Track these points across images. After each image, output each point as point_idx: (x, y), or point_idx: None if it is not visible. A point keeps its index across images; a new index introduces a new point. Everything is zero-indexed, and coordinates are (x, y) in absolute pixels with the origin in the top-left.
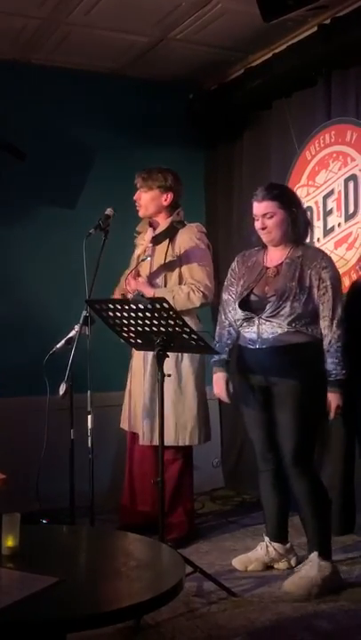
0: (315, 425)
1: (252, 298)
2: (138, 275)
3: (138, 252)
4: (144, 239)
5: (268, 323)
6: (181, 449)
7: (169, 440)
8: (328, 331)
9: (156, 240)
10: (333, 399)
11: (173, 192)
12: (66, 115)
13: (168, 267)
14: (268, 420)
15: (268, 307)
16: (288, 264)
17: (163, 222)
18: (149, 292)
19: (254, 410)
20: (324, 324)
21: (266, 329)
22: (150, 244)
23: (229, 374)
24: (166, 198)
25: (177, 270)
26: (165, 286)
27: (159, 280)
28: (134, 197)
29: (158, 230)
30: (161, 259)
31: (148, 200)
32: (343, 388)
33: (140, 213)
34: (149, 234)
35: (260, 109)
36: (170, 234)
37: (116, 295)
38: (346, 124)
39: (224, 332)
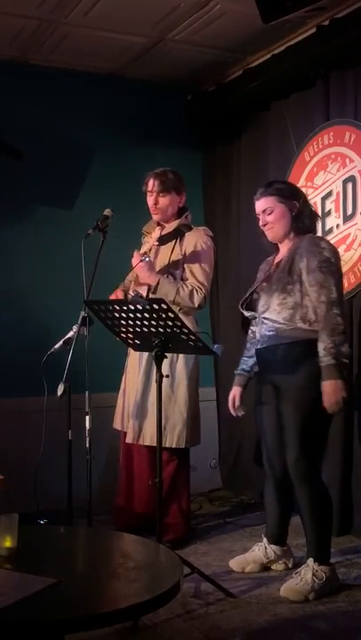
0: (320, 426)
1: (255, 296)
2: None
3: (144, 249)
4: (153, 238)
5: (267, 320)
6: (177, 450)
7: (154, 440)
8: (320, 315)
9: (161, 240)
10: (325, 388)
11: (185, 193)
12: (64, 115)
13: (172, 267)
14: (275, 422)
15: (259, 302)
16: (286, 257)
17: (170, 224)
18: (154, 279)
19: (263, 410)
20: (317, 309)
21: (266, 327)
22: (156, 243)
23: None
24: (181, 200)
25: (179, 271)
26: None
27: None
28: (152, 202)
29: (166, 231)
30: (165, 259)
31: (167, 204)
32: (339, 375)
33: (158, 218)
34: (157, 232)
35: (259, 110)
36: (176, 236)
37: (118, 293)
38: (344, 125)
39: (248, 344)
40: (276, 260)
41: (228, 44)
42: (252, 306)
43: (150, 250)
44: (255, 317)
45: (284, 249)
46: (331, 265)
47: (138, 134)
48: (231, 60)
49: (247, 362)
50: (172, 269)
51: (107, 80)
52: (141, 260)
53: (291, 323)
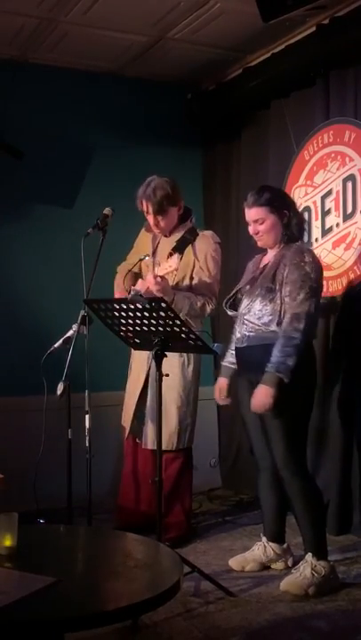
0: (301, 425)
1: (238, 296)
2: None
3: (161, 272)
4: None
5: (247, 321)
6: (181, 449)
7: (170, 445)
8: (284, 324)
9: (175, 251)
10: (259, 390)
11: (181, 196)
12: (63, 114)
13: (180, 275)
14: (261, 419)
15: (242, 304)
16: (271, 264)
17: (176, 233)
18: (169, 297)
19: (246, 409)
20: (286, 317)
21: (246, 327)
22: (174, 259)
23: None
24: (180, 208)
25: (188, 279)
26: None
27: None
28: (152, 222)
29: (173, 240)
30: (173, 266)
31: (167, 222)
32: (273, 385)
33: (163, 234)
34: (175, 261)
35: (259, 109)
36: (184, 245)
37: (119, 284)
38: (344, 123)
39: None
40: (263, 263)
41: (228, 42)
42: (236, 305)
43: (155, 251)
44: (237, 316)
45: (270, 254)
46: (309, 280)
47: (138, 133)
48: (231, 59)
49: (234, 354)
50: (181, 277)
51: (106, 79)
52: (141, 259)
53: (268, 327)
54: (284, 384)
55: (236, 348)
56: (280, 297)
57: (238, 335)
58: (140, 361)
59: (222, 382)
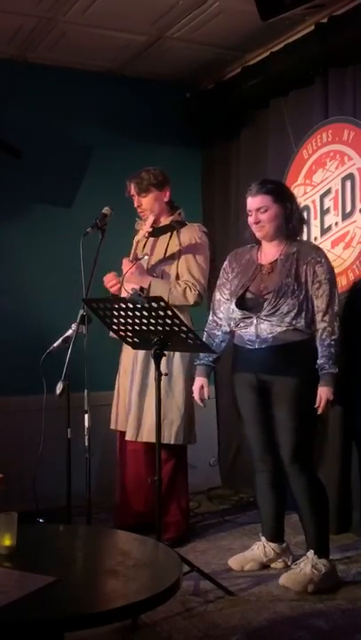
0: (314, 423)
1: (248, 296)
2: (136, 259)
3: (138, 237)
4: (144, 229)
5: (266, 322)
6: (175, 448)
7: (152, 437)
8: (321, 325)
9: (153, 232)
10: (323, 393)
11: (169, 186)
12: (62, 113)
13: (167, 263)
14: (266, 420)
15: (265, 305)
16: (283, 260)
17: (162, 221)
18: (145, 281)
19: (253, 410)
20: (318, 318)
21: (265, 328)
22: (149, 230)
23: (209, 379)
24: (165, 193)
25: (175, 267)
26: None
27: (156, 275)
28: (135, 205)
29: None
30: (160, 255)
31: (150, 202)
32: (334, 383)
33: (146, 216)
34: (150, 221)
35: (258, 108)
36: (169, 231)
37: (114, 285)
38: (343, 122)
39: (217, 332)
40: (266, 260)
41: (227, 41)
42: (243, 304)
43: (145, 245)
44: (250, 317)
45: (272, 250)
46: (334, 277)
47: (137, 132)
48: (230, 58)
49: (212, 355)
50: (167, 266)
51: (105, 78)
52: (139, 259)
53: (291, 326)
54: (313, 379)
55: (244, 349)
56: (306, 295)
57: (250, 337)
58: (128, 359)
59: (204, 382)
